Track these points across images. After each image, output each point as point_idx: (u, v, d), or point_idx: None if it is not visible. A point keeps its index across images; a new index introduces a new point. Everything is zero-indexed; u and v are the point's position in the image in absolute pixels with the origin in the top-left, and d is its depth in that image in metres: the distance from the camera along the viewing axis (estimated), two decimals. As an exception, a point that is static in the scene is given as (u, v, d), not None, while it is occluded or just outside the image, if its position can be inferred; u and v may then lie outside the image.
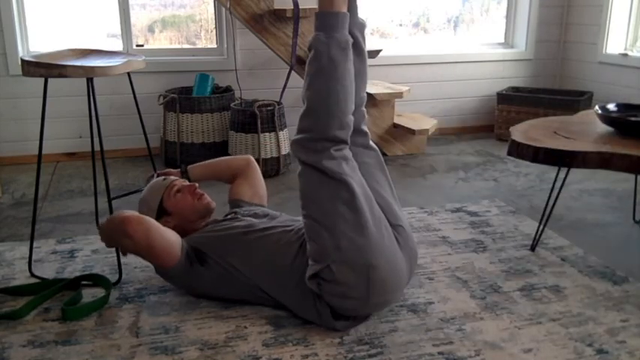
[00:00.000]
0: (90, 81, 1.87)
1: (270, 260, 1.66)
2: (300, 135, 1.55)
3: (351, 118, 1.57)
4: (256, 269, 1.67)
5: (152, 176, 2.03)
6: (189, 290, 1.79)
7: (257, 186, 2.05)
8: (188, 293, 1.82)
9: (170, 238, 1.67)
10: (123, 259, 2.04)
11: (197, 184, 1.90)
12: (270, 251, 1.67)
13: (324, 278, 1.52)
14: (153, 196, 1.85)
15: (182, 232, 1.80)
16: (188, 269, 1.70)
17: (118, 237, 1.61)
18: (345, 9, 1.58)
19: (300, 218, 1.84)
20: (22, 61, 1.77)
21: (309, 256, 1.56)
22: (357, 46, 1.68)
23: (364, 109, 1.77)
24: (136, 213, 1.63)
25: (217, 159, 2.10)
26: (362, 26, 1.72)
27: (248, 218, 1.83)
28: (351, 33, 1.62)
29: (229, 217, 1.88)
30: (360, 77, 1.70)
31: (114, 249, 1.80)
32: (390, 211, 1.63)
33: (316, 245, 1.53)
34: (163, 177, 1.92)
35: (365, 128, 1.74)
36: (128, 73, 2.09)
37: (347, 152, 1.57)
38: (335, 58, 1.53)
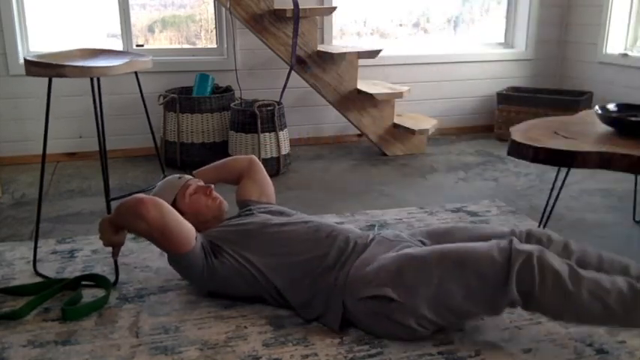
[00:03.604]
0: (97, 80, 1.87)
1: (289, 256, 1.66)
2: (539, 273, 1.40)
3: None
4: (273, 265, 1.67)
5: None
6: (201, 283, 1.78)
7: (264, 185, 2.05)
8: (199, 288, 1.81)
9: (185, 224, 1.66)
10: (119, 260, 2.04)
11: (212, 186, 1.90)
12: (286, 247, 1.67)
13: (381, 301, 1.51)
14: (166, 195, 1.84)
15: (196, 230, 1.80)
16: (202, 260, 1.69)
17: (132, 220, 1.61)
18: None
19: (311, 217, 1.84)
20: (25, 60, 1.79)
21: (384, 269, 1.54)
22: None
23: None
24: (147, 196, 1.62)
25: (221, 161, 2.10)
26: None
27: (264, 214, 1.83)
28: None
29: (244, 213, 1.88)
30: None
31: (110, 248, 1.79)
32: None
33: (414, 279, 1.49)
34: (179, 176, 1.91)
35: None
36: (135, 73, 2.09)
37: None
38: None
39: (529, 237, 1.64)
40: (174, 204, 1.82)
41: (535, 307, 1.44)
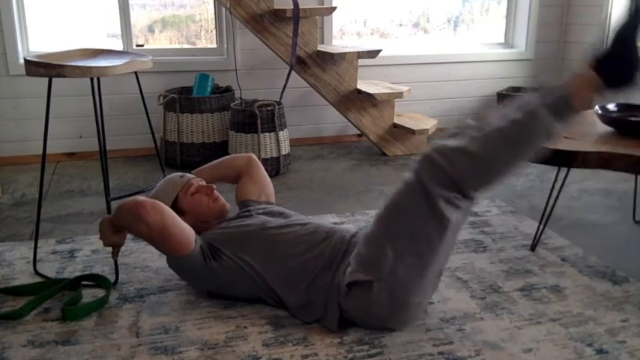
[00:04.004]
0: (97, 80, 1.87)
1: (286, 258, 1.66)
2: (444, 160, 1.40)
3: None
4: (270, 266, 1.67)
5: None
6: (200, 286, 1.78)
7: (263, 183, 2.04)
8: (198, 289, 1.81)
9: (185, 226, 1.66)
10: (119, 260, 2.04)
11: (214, 186, 1.89)
12: (286, 249, 1.67)
13: (361, 288, 1.51)
14: (168, 193, 1.84)
15: (195, 231, 1.80)
16: (201, 262, 1.69)
17: (132, 222, 1.61)
18: (583, 109, 1.48)
19: (310, 217, 1.84)
20: (25, 60, 1.79)
21: (355, 260, 1.54)
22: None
23: None
24: (148, 198, 1.63)
25: (220, 159, 2.09)
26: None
27: (262, 216, 1.83)
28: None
29: (243, 214, 1.88)
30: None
31: (110, 249, 1.79)
32: (446, 260, 1.62)
33: (372, 255, 1.49)
34: (180, 175, 1.90)
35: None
36: (135, 73, 2.09)
37: (466, 205, 1.47)
38: (537, 145, 1.45)
39: None
40: (175, 203, 1.82)
41: (464, 185, 1.42)
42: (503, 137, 1.42)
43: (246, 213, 1.88)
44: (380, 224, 1.51)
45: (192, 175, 1.93)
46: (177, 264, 1.72)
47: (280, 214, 1.87)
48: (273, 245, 1.69)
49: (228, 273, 1.70)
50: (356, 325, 1.63)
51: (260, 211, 1.88)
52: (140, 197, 1.62)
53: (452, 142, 1.43)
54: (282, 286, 1.66)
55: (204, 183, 1.90)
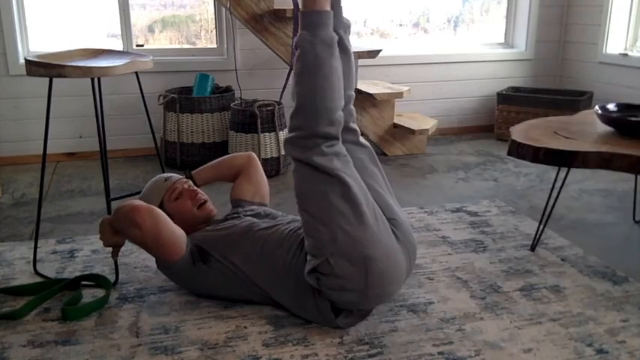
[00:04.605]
0: (97, 80, 1.86)
1: (271, 260, 1.66)
2: (291, 133, 1.57)
3: (340, 115, 1.58)
4: (257, 268, 1.67)
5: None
6: (191, 288, 1.79)
7: (259, 184, 2.04)
8: (189, 291, 1.82)
9: (177, 231, 1.68)
10: (119, 260, 2.04)
11: (198, 190, 1.89)
12: (271, 251, 1.67)
13: (323, 272, 1.52)
14: (153, 197, 1.85)
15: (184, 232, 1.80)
16: (191, 266, 1.70)
17: (127, 226, 1.62)
18: (328, 7, 1.59)
19: (298, 217, 1.84)
20: (26, 60, 1.79)
21: (307, 252, 1.57)
22: (342, 45, 1.68)
23: (352, 107, 1.77)
24: (144, 203, 1.63)
25: (220, 159, 2.09)
26: (346, 26, 1.73)
27: (250, 218, 1.83)
28: (336, 32, 1.63)
29: (231, 216, 1.88)
30: (347, 75, 1.70)
31: (110, 249, 1.80)
32: (385, 205, 1.64)
33: (313, 240, 1.53)
34: (165, 178, 1.90)
35: (354, 126, 1.75)
36: (136, 73, 2.09)
37: (339, 148, 1.58)
38: (320, 55, 1.54)
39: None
40: (161, 207, 1.83)
41: (314, 127, 1.54)
42: (300, 75, 1.55)
43: (235, 215, 1.88)
44: (302, 214, 1.57)
45: (179, 177, 1.92)
46: (168, 267, 1.73)
47: (267, 216, 1.86)
48: (260, 246, 1.68)
49: (218, 275, 1.70)
50: (356, 325, 1.63)
51: (248, 213, 1.88)
52: (137, 201, 1.62)
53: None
54: (272, 287, 1.66)
55: (189, 185, 1.89)
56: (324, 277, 1.53)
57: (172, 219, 1.78)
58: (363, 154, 1.72)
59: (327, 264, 1.51)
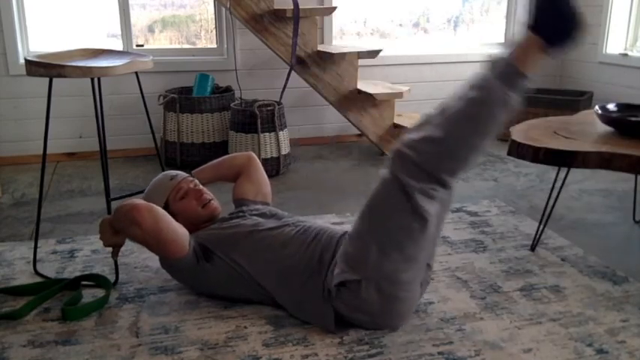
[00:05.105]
0: (97, 80, 1.86)
1: (277, 260, 1.66)
2: (413, 152, 1.42)
3: (462, 173, 1.50)
4: (262, 268, 1.67)
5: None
6: (194, 287, 1.79)
7: (260, 183, 2.04)
8: (191, 290, 1.81)
9: (179, 229, 1.67)
10: (119, 260, 2.04)
11: (204, 189, 1.88)
12: (277, 251, 1.67)
13: (350, 288, 1.52)
14: (158, 196, 1.84)
15: (188, 230, 1.79)
16: (195, 265, 1.69)
17: (127, 225, 1.61)
18: (534, 72, 1.47)
19: (303, 218, 1.84)
20: (26, 60, 1.79)
21: (340, 257, 1.55)
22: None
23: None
24: (144, 202, 1.63)
25: (220, 159, 2.09)
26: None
27: (255, 217, 1.82)
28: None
29: (236, 215, 1.87)
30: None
31: (110, 249, 1.79)
32: (432, 252, 1.63)
33: (357, 253, 1.51)
34: (171, 176, 1.89)
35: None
36: (136, 73, 2.09)
37: (444, 195, 1.48)
38: (497, 117, 1.43)
39: None
40: (166, 206, 1.82)
41: (436, 173, 1.43)
42: (463, 117, 1.43)
43: (240, 214, 1.87)
44: (362, 222, 1.52)
45: (185, 175, 1.91)
46: (171, 266, 1.72)
47: (273, 216, 1.86)
48: (264, 246, 1.68)
49: (221, 274, 1.70)
50: (355, 325, 1.63)
51: (254, 212, 1.87)
52: (137, 200, 1.62)
53: (417, 134, 1.45)
54: (274, 287, 1.66)
55: (195, 184, 1.89)
56: (347, 291, 1.53)
57: (176, 218, 1.77)
58: (449, 196, 1.55)
59: (357, 284, 1.50)
